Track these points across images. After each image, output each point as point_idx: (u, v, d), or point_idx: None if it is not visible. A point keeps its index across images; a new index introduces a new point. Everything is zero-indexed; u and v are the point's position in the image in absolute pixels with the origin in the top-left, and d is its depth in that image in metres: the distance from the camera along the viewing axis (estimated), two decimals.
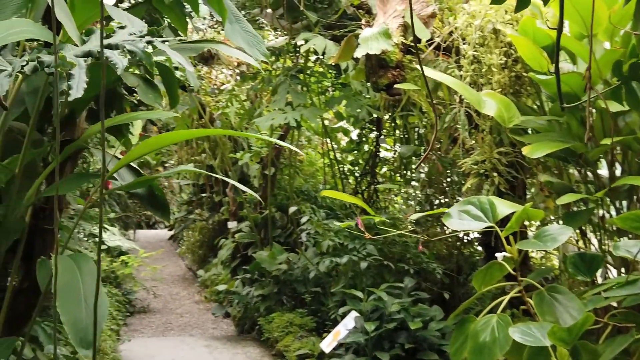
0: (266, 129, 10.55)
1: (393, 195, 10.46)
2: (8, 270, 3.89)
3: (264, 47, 4.47)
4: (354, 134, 11.02)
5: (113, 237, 11.99)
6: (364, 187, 10.42)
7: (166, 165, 19.65)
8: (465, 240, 8.26)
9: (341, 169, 10.74)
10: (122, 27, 3.03)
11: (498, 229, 4.04)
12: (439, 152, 7.36)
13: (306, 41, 7.82)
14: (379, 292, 6.74)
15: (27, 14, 3.65)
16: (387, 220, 7.58)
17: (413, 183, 9.37)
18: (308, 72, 9.50)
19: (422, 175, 8.87)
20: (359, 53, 5.80)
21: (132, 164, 3.97)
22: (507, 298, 4.01)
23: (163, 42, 3.31)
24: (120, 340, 8.44)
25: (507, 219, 4.08)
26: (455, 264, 7.98)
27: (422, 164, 8.71)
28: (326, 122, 11.71)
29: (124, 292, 10.78)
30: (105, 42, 2.83)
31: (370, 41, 5.84)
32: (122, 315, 9.72)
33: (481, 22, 5.35)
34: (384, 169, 10.68)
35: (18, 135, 4.27)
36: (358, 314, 6.76)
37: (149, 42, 2.84)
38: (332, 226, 8.00)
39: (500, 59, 5.22)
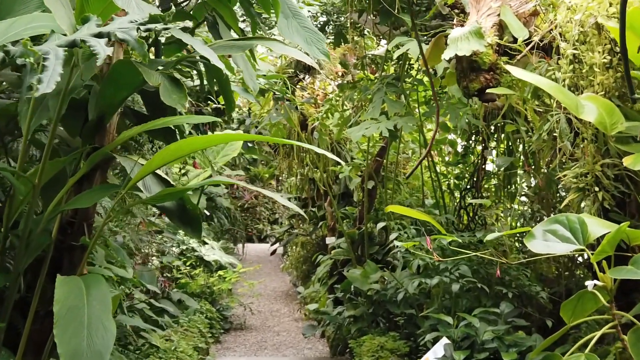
0: (362, 140, 10.15)
1: (499, 212, 9.74)
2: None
3: (324, 45, 4.02)
4: (460, 146, 10.37)
5: (212, 251, 11.75)
6: (468, 202, 9.73)
7: (280, 178, 19.47)
8: (578, 262, 7.48)
9: (446, 182, 10.11)
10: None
11: (589, 253, 3.43)
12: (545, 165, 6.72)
13: (401, 46, 7.35)
14: (470, 317, 6.12)
15: None
16: (469, 241, 6.97)
17: (522, 198, 8.67)
18: (408, 79, 8.98)
19: (529, 189, 8.20)
20: (446, 55, 5.28)
21: (160, 173, 3.59)
22: (597, 335, 3.40)
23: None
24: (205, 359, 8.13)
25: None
26: (565, 287, 7.22)
27: (533, 178, 8.03)
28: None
29: (219, 308, 10.51)
30: (98, 30, 2.45)
31: (460, 42, 5.31)
32: (214, 332, 9.45)
33: (582, 17, 4.70)
34: (493, 181, 9.96)
35: (62, 144, 4.00)
36: (448, 341, 6.16)
37: (147, 30, 2.44)
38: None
39: (604, 58, 4.55)
